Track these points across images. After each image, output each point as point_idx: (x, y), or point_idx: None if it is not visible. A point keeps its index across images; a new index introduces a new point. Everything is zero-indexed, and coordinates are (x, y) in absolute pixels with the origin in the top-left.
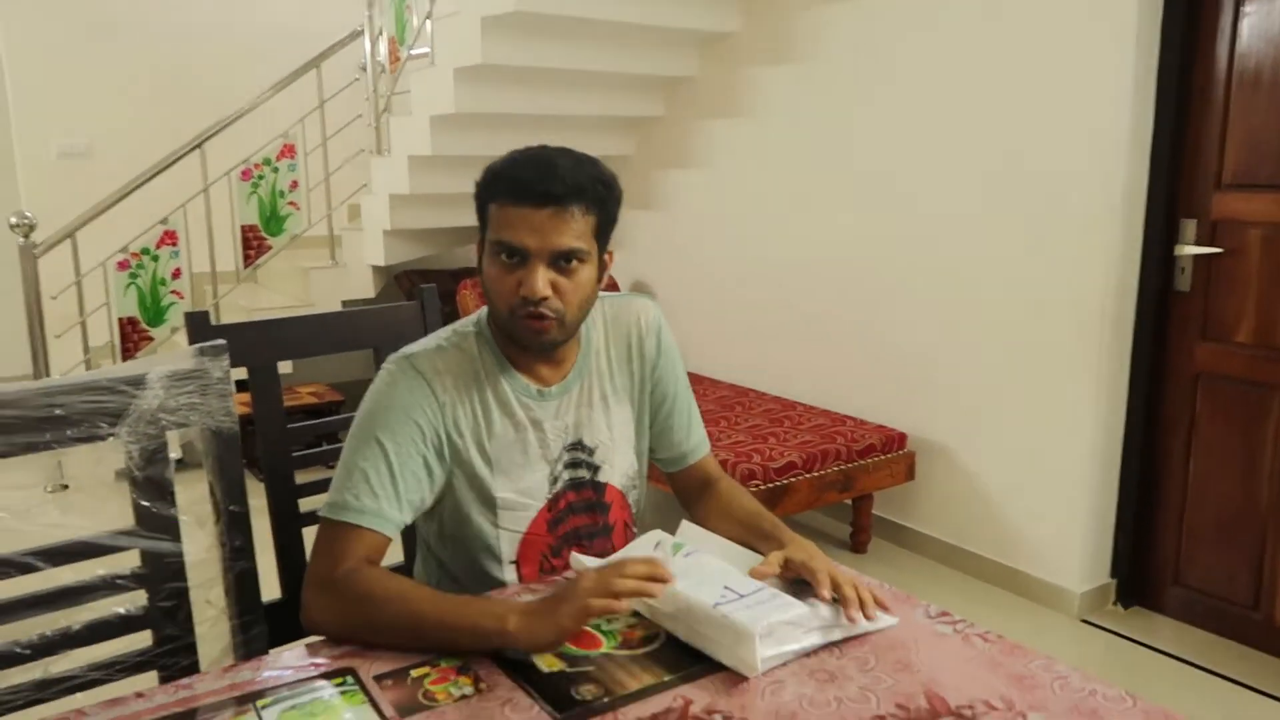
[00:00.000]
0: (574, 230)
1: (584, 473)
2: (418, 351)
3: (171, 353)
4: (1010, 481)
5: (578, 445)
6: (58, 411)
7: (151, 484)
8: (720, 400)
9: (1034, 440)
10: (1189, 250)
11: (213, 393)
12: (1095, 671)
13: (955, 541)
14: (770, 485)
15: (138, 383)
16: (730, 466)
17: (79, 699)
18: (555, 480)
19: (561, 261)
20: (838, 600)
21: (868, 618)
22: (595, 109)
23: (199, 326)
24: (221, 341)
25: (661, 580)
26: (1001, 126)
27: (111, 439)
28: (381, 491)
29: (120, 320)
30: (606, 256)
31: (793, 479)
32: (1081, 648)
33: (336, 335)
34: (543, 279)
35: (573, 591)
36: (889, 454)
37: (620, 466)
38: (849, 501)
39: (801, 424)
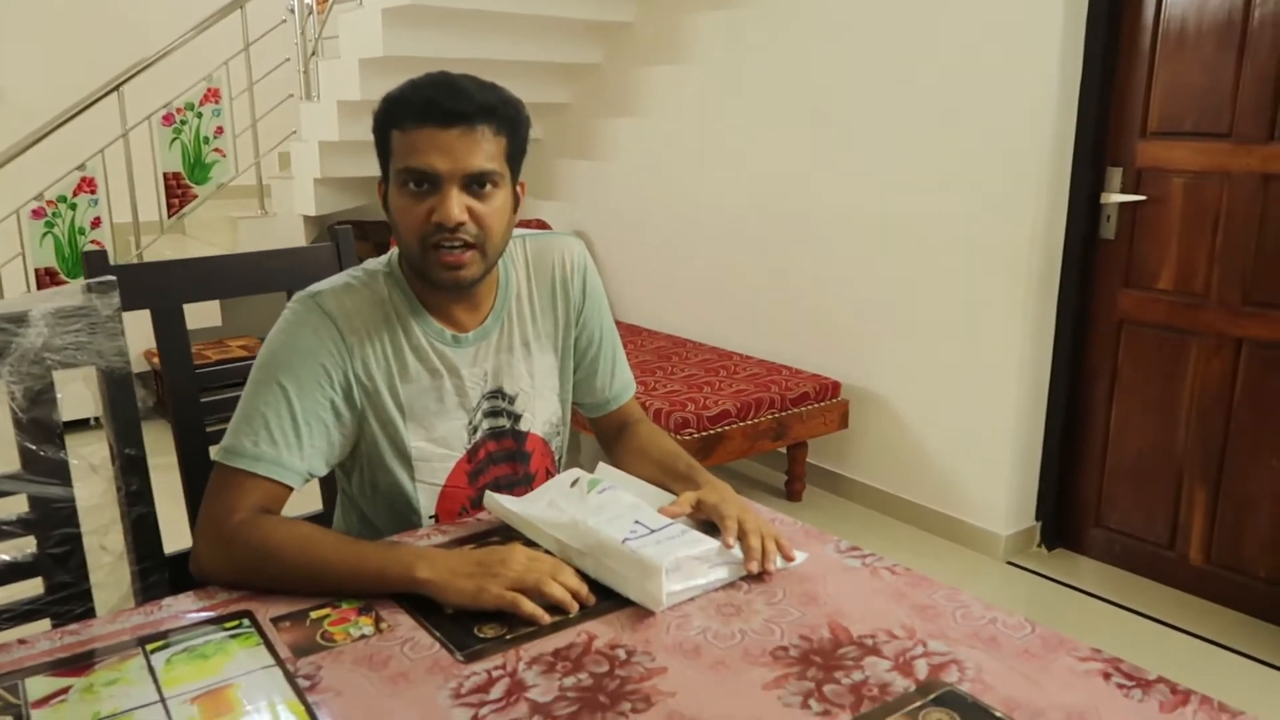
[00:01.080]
0: (485, 151)
1: (504, 421)
2: (324, 290)
3: (56, 289)
4: (940, 428)
5: (497, 393)
6: None
7: (37, 426)
8: (657, 350)
9: (963, 387)
10: (1115, 198)
11: (102, 331)
12: (1019, 611)
13: (888, 488)
14: (704, 434)
15: (19, 320)
16: (664, 415)
17: None
18: (475, 430)
19: (475, 185)
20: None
21: (767, 570)
22: (531, 54)
23: (96, 266)
24: (111, 278)
25: (583, 603)
26: (933, 76)
27: None
28: (281, 439)
29: (37, 270)
30: (519, 188)
31: (726, 427)
32: (1006, 589)
33: (245, 277)
34: (457, 203)
35: (503, 568)
36: (822, 402)
37: (542, 414)
38: (784, 450)
39: (737, 373)
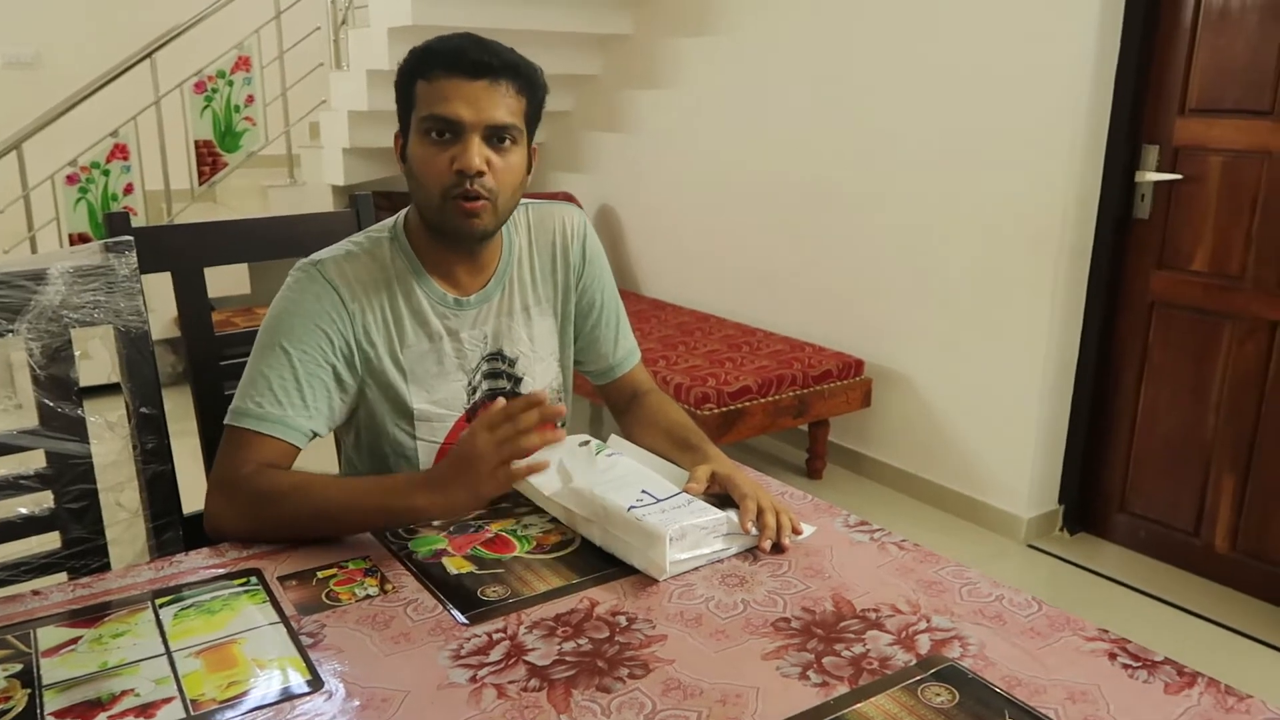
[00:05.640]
0: (508, 106)
1: (504, 383)
2: (326, 258)
3: (76, 249)
4: (964, 409)
5: (497, 355)
6: None
7: (55, 383)
8: (680, 325)
9: (988, 368)
10: (1150, 177)
11: (120, 291)
12: (1039, 595)
13: (910, 468)
14: (724, 409)
15: (38, 277)
16: (684, 390)
17: None
18: (474, 390)
19: (495, 139)
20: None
21: (781, 546)
22: (560, 24)
23: (118, 227)
24: (128, 238)
25: (552, 416)
26: (964, 51)
27: (10, 335)
28: (286, 399)
29: (71, 236)
30: (533, 152)
31: (747, 403)
32: (1027, 572)
33: (265, 242)
34: (478, 152)
35: (482, 462)
36: (845, 380)
37: (543, 378)
38: (805, 428)
39: (760, 350)
